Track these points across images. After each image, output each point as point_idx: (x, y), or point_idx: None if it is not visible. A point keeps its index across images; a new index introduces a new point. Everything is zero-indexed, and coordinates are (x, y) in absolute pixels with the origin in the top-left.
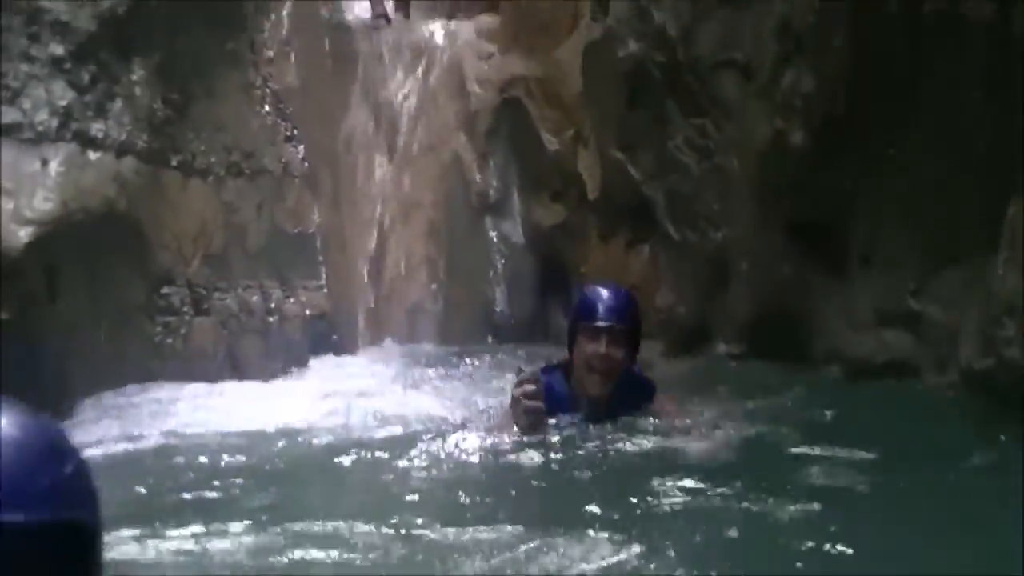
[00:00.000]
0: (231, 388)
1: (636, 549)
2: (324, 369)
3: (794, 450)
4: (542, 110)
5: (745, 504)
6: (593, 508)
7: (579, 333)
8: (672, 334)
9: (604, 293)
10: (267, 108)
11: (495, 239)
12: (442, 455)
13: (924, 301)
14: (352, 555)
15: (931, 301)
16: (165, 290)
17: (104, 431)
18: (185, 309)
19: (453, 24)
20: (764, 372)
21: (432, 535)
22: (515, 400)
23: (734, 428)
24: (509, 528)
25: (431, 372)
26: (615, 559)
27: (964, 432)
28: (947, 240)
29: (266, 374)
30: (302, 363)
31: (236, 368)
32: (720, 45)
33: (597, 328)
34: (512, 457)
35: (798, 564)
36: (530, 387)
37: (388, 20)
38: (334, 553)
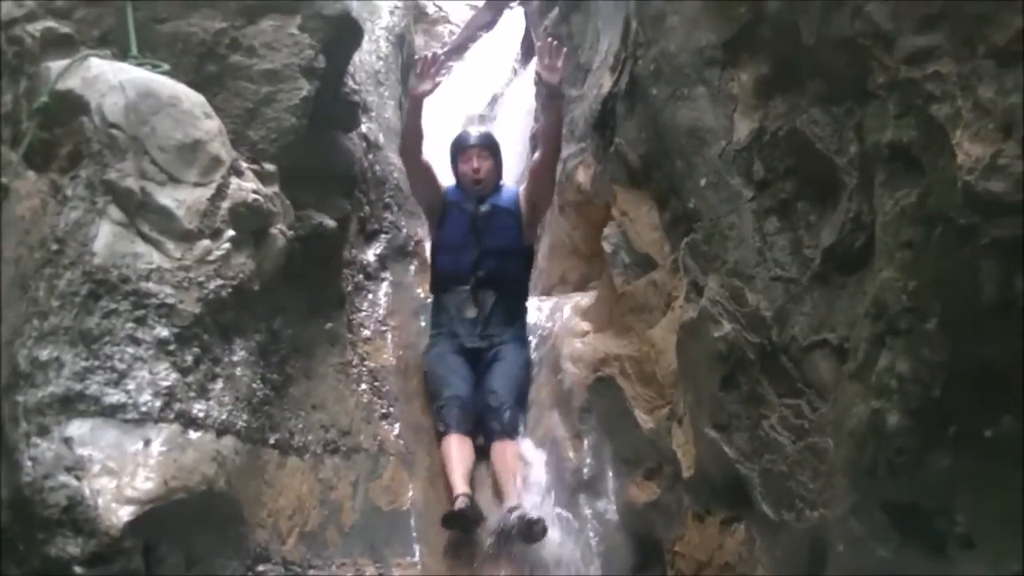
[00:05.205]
0: None
1: None
2: None
3: None
4: (636, 388)
5: None
6: None
7: (457, 159)
8: None
9: (469, 129)
10: (363, 386)
11: (589, 516)
12: None
13: None
14: None
15: None
16: (261, 568)
17: None
18: None
19: (549, 302)
20: None
21: None
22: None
23: None
24: None
25: None
26: None
27: None
28: None
29: None
30: None
31: None
32: (814, 326)
33: (468, 150)
34: None
35: None
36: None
37: None
38: None
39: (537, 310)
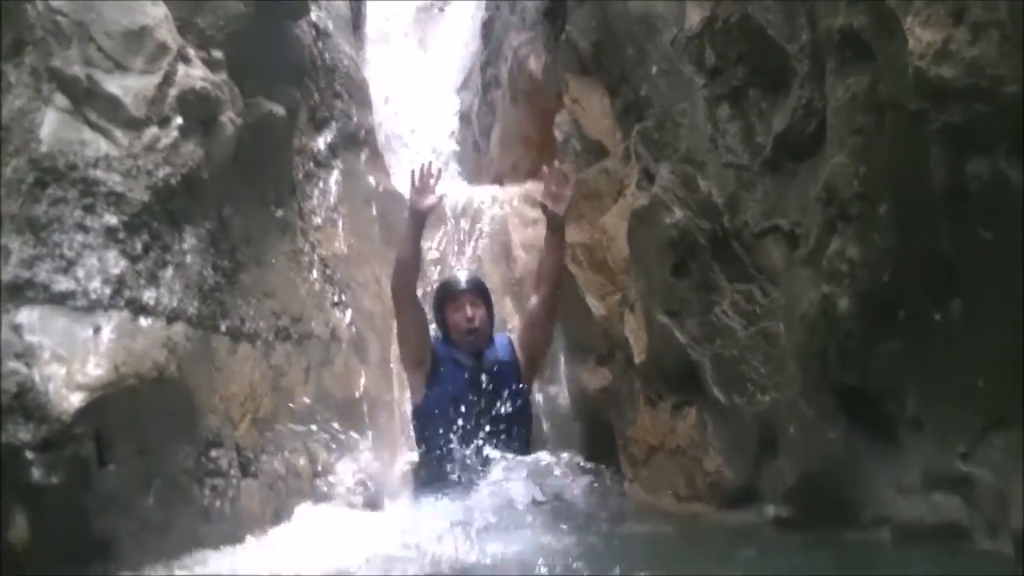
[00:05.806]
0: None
1: None
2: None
3: None
4: (588, 275)
5: None
6: None
7: (445, 308)
8: (720, 497)
9: (456, 274)
10: (315, 274)
11: (540, 402)
12: None
13: (974, 464)
14: None
15: (981, 464)
16: (213, 453)
17: None
18: (233, 472)
19: (500, 190)
20: (810, 535)
21: None
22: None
23: None
24: None
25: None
26: None
27: None
28: (997, 403)
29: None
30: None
31: None
32: (765, 212)
33: (459, 297)
34: None
35: None
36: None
37: None
38: None
39: (490, 197)
